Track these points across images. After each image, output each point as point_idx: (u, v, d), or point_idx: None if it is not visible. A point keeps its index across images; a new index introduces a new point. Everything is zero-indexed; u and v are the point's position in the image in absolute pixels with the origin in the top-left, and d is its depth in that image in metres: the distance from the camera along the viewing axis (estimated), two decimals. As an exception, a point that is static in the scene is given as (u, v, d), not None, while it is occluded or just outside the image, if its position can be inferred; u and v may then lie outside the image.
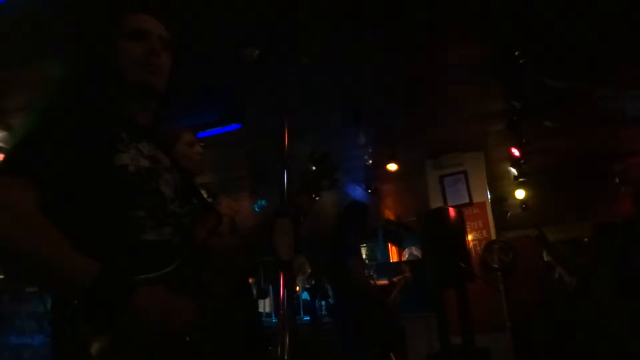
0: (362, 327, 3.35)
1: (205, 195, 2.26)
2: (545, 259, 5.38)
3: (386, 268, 6.72)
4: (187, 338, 1.01)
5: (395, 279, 5.39)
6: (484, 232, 5.56)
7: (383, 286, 5.30)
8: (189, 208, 1.27)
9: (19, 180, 1.02)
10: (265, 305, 7.75)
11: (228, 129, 4.62)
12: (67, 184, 1.07)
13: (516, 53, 3.60)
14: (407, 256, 8.78)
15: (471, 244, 5.42)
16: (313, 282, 4.86)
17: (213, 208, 1.44)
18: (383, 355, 3.43)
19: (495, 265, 5.32)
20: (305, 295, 7.49)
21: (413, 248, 8.59)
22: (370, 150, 5.56)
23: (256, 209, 6.13)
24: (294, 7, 3.00)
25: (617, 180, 6.24)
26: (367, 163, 5.72)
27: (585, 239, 5.35)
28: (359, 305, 3.36)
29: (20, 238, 0.98)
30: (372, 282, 3.81)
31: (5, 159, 1.08)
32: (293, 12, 3.03)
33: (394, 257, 8.82)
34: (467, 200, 5.65)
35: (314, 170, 1.38)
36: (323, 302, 5.19)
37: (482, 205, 5.65)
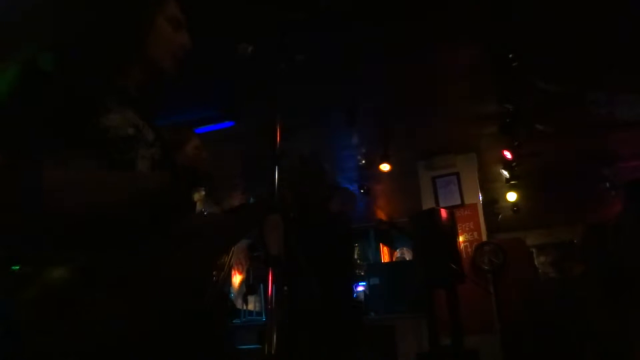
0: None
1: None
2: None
3: (377, 268, 6.74)
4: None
5: None
6: (475, 233, 5.58)
7: None
8: None
9: None
10: (255, 304, 7.73)
11: (221, 126, 4.61)
12: (43, 136, 1.01)
13: (509, 56, 3.62)
14: (398, 256, 8.80)
15: (462, 245, 5.45)
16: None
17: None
18: None
19: (486, 267, 5.35)
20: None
21: (404, 249, 8.61)
22: (363, 151, 5.57)
23: (248, 207, 6.11)
24: (291, 5, 2.99)
25: (608, 185, 6.29)
26: (360, 163, 5.73)
27: (575, 241, 5.39)
28: None
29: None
30: None
31: None
32: (290, 10, 3.03)
33: (385, 257, 8.83)
34: (458, 202, 5.67)
35: (301, 170, 1.39)
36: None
37: (474, 207, 5.68)
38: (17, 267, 0.95)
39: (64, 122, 1.03)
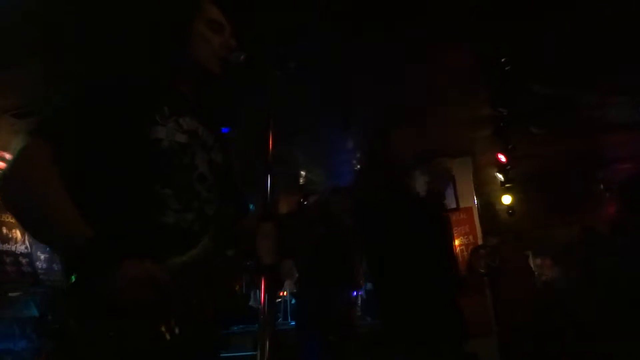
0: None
1: None
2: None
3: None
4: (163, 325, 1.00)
5: None
6: (471, 237, 5.59)
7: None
8: (216, 196, 1.24)
9: (38, 140, 1.04)
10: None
11: (216, 132, 4.60)
12: (93, 151, 1.06)
13: (503, 59, 3.63)
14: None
15: (458, 249, 5.45)
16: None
17: (245, 208, 1.42)
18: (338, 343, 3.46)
19: (482, 270, 5.34)
20: (293, 300, 7.45)
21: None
22: (358, 155, 5.56)
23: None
24: (285, 9, 3.00)
25: (602, 187, 6.32)
26: (356, 168, 5.72)
27: (572, 243, 5.41)
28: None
29: (23, 187, 1.01)
30: None
31: (35, 121, 1.09)
32: (284, 14, 3.03)
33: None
34: (454, 206, 5.67)
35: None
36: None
37: (469, 210, 5.69)
38: (74, 277, 1.03)
39: (116, 138, 1.08)
